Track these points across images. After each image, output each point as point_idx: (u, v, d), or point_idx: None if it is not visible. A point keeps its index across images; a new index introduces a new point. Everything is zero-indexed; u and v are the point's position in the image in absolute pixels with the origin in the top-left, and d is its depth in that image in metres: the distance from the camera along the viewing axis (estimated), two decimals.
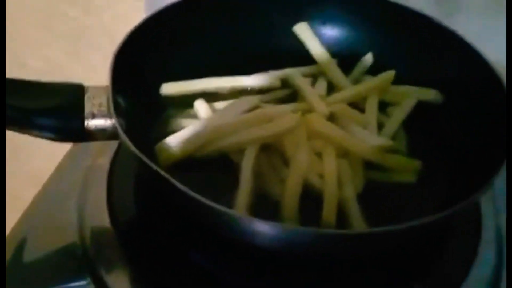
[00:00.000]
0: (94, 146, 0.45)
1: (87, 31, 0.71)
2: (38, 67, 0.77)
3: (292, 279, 0.39)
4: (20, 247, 0.41)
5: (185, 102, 0.46)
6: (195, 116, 0.45)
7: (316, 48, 0.50)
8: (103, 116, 0.38)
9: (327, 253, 0.37)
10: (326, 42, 0.51)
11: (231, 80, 0.47)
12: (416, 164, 0.43)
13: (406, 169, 0.43)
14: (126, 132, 0.37)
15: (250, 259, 0.39)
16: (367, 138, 0.43)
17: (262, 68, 0.48)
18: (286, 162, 0.42)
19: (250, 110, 0.44)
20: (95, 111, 0.38)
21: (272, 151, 0.42)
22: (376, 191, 0.41)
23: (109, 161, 0.45)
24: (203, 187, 0.34)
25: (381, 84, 0.47)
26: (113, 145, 0.46)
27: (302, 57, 0.50)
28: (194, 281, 0.38)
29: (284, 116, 0.43)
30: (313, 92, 0.46)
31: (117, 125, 0.37)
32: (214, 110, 0.45)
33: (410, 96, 0.47)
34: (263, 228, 0.33)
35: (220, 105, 0.45)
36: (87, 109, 0.38)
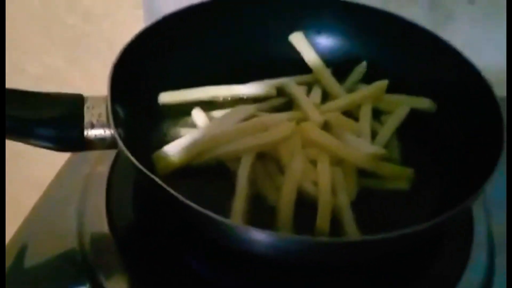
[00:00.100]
0: (93, 154, 0.45)
1: (86, 38, 0.71)
2: (37, 73, 0.77)
3: (287, 285, 0.39)
4: (21, 253, 0.41)
5: (183, 111, 0.46)
6: (192, 125, 0.45)
7: (311, 57, 0.51)
8: (102, 126, 0.39)
9: (322, 259, 0.37)
10: (321, 51, 0.52)
11: (228, 88, 0.48)
12: (408, 172, 0.43)
13: (399, 176, 0.43)
14: (124, 141, 0.37)
15: (246, 266, 0.39)
16: (361, 146, 0.43)
17: (258, 77, 0.49)
18: (281, 169, 0.42)
19: (247, 118, 0.44)
20: (95, 121, 0.39)
21: (268, 159, 0.43)
22: (370, 198, 0.42)
23: (108, 169, 0.46)
24: (200, 195, 0.35)
25: (374, 92, 0.48)
26: (112, 153, 0.46)
27: (298, 66, 0.51)
28: (191, 287, 0.39)
29: (279, 125, 0.43)
30: (308, 101, 0.47)
31: (116, 136, 0.37)
32: (211, 119, 0.45)
33: (403, 105, 0.48)
34: (258, 236, 0.34)
35: (217, 113, 0.46)
36: (87, 119, 0.39)
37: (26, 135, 0.38)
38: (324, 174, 0.41)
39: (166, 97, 0.47)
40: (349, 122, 0.46)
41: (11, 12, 0.67)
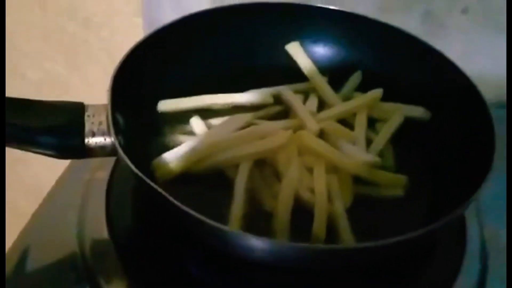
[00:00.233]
0: (93, 160, 0.45)
1: (85, 45, 0.71)
2: (37, 78, 0.78)
3: None
4: (21, 259, 0.41)
5: (182, 119, 0.46)
6: (191, 133, 0.46)
7: (307, 66, 0.51)
8: (103, 134, 0.39)
9: (317, 264, 0.37)
10: (317, 60, 0.52)
11: (226, 97, 0.48)
12: (402, 179, 0.43)
13: (393, 184, 0.43)
14: (124, 148, 0.38)
15: (245, 271, 0.39)
16: (356, 154, 0.43)
17: (255, 85, 0.49)
18: (278, 177, 0.42)
19: (244, 126, 0.45)
20: (95, 129, 0.39)
21: (265, 167, 0.43)
22: (365, 205, 0.42)
23: (108, 175, 0.46)
24: (199, 201, 0.36)
25: (369, 101, 0.48)
26: (111, 159, 0.46)
27: (294, 74, 0.51)
28: None
29: (276, 133, 0.44)
30: (304, 109, 0.47)
31: (116, 144, 0.38)
32: (209, 127, 0.46)
33: (397, 113, 0.48)
34: (255, 243, 0.34)
35: (215, 121, 0.46)
36: (88, 127, 0.39)
37: (26, 142, 0.39)
38: (320, 181, 0.42)
39: (165, 105, 0.47)
40: (345, 130, 0.46)
41: (11, 18, 0.68)
